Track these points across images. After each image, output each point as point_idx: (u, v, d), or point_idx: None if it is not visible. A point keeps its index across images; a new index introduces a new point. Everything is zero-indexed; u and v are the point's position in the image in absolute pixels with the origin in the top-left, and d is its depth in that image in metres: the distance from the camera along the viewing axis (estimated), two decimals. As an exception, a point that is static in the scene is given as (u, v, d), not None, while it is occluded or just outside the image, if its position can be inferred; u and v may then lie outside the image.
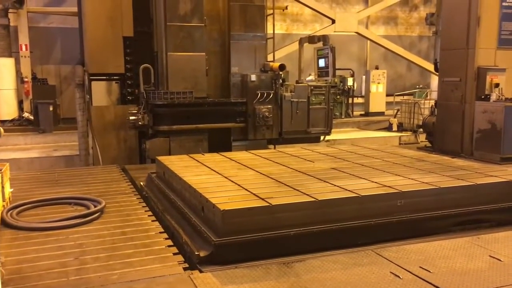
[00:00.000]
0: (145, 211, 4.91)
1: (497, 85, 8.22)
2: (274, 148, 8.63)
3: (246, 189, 4.44)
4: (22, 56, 14.20)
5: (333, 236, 4.07)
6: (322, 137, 9.56)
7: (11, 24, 14.46)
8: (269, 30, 9.49)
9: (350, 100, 16.27)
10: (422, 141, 11.72)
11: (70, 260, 3.63)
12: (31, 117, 13.03)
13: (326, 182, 4.73)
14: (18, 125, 13.05)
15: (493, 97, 8.13)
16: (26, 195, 5.29)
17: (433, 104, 9.77)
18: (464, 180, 4.85)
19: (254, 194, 4.26)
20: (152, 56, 8.52)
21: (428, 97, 15.53)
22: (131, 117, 7.77)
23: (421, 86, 18.08)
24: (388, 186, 4.53)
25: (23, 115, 13.52)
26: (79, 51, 9.42)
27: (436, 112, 9.32)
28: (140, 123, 7.76)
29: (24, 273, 3.40)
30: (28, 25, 14.44)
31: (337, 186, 4.55)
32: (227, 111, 8.47)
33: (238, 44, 8.91)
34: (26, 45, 14.29)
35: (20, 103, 14.06)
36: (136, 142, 8.33)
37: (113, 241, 4.02)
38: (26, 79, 13.94)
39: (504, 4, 8.34)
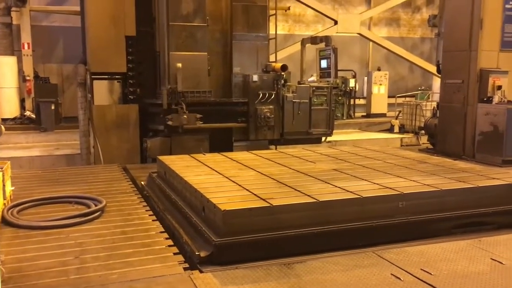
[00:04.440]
0: (146, 210, 4.91)
1: (499, 87, 8.20)
2: (276, 148, 8.62)
3: (247, 190, 4.43)
4: (24, 55, 14.18)
5: (334, 238, 4.06)
6: (323, 138, 9.55)
7: (14, 22, 14.45)
8: (271, 31, 9.48)
9: (351, 101, 16.19)
10: (423, 143, 11.70)
11: (70, 259, 3.63)
12: (33, 116, 13.02)
13: (327, 183, 4.72)
14: (20, 123, 13.02)
15: (496, 99, 8.11)
16: (27, 194, 5.29)
17: (435, 106, 9.75)
18: (466, 182, 4.83)
19: (255, 194, 4.25)
20: (155, 56, 8.51)
21: (430, 99, 15.50)
22: (184, 116, 7.70)
23: (423, 87, 18.06)
24: (390, 188, 4.51)
25: (25, 113, 13.50)
26: (81, 50, 9.40)
27: (438, 114, 9.30)
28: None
29: (24, 272, 3.39)
30: (30, 23, 14.42)
31: (338, 187, 4.54)
32: (228, 111, 8.47)
33: (240, 44, 8.91)
34: (28, 43, 14.28)
35: (22, 101, 14.03)
36: (137, 142, 8.32)
37: (114, 241, 4.01)
38: (28, 78, 13.91)
39: (507, 6, 8.33)
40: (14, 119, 13.29)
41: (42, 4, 15.25)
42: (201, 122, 7.89)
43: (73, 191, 5.50)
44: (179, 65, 7.74)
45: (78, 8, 10.31)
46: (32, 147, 11.54)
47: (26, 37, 14.27)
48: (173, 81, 7.89)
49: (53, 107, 12.48)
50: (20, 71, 14.01)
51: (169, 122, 7.79)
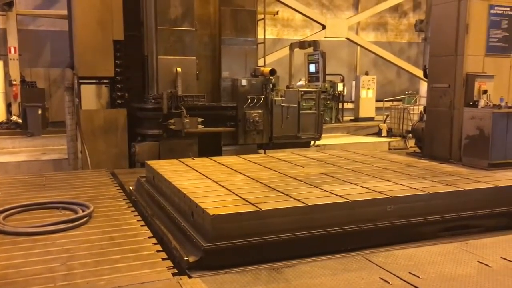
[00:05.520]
0: (134, 215, 4.87)
1: (485, 91, 8.31)
2: (264, 153, 8.63)
3: (236, 194, 4.43)
4: (10, 59, 14.08)
5: (323, 242, 4.07)
6: (312, 142, 9.58)
7: (0, 26, 14.34)
8: (260, 35, 9.50)
9: (340, 106, 16.35)
10: (411, 147, 11.81)
11: (57, 265, 3.58)
12: (19, 120, 12.90)
13: (316, 187, 4.74)
14: (6, 128, 12.90)
15: (481, 103, 8.21)
16: (13, 199, 5.23)
17: (422, 110, 9.84)
18: (453, 186, 4.88)
19: (244, 199, 4.25)
20: (143, 60, 8.48)
21: (417, 103, 15.65)
22: (186, 120, 7.76)
23: (410, 92, 18.25)
24: (378, 192, 4.54)
25: (11, 118, 13.38)
26: (68, 54, 9.34)
27: (425, 118, 9.38)
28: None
29: (10, 279, 3.35)
30: (17, 27, 14.33)
31: (327, 191, 4.56)
32: (217, 115, 8.46)
33: (229, 48, 8.92)
34: (15, 47, 14.18)
35: (8, 106, 13.93)
36: (125, 146, 8.27)
37: (101, 246, 3.97)
38: (14, 82, 13.82)
39: (492, 11, 8.45)
40: (0, 124, 13.16)
41: (29, 8, 15.15)
42: (202, 126, 7.91)
43: (60, 196, 5.45)
44: (179, 69, 7.76)
45: (65, 12, 10.24)
46: (19, 152, 11.42)
47: (12, 41, 14.17)
48: (162, 85, 7.88)
49: (40, 112, 12.38)
50: (7, 75, 13.90)
51: (172, 126, 7.76)
